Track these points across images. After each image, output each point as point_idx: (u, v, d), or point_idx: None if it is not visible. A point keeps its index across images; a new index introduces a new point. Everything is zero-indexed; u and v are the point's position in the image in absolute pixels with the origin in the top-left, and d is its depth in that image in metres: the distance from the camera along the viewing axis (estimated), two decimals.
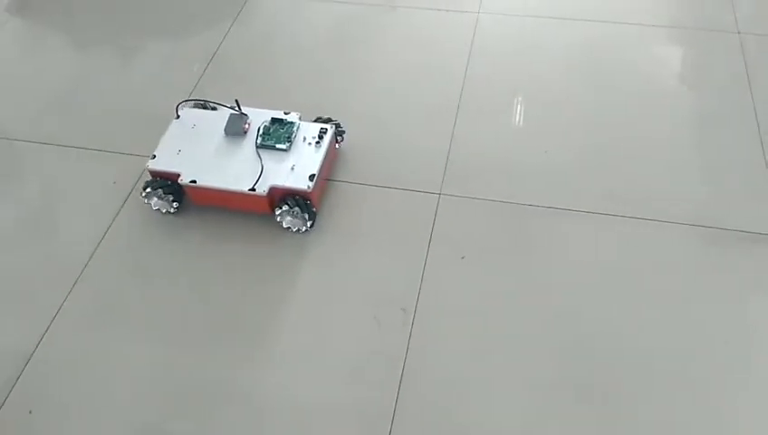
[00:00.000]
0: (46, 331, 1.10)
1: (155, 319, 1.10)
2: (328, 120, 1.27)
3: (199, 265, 1.17)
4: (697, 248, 1.15)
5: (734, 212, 1.19)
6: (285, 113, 1.24)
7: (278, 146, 1.20)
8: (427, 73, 1.47)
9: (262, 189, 1.14)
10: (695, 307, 1.07)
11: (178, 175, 1.18)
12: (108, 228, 1.22)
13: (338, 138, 1.27)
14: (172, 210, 1.21)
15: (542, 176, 1.26)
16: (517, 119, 1.37)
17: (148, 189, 1.19)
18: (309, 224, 1.16)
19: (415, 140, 1.33)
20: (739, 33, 1.52)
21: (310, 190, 1.15)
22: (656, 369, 1.01)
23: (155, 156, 1.21)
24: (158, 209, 1.22)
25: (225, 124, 1.23)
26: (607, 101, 1.39)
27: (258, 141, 1.20)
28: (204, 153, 1.21)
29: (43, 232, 1.24)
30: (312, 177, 1.16)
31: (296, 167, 1.17)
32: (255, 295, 1.12)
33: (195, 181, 1.17)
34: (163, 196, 1.19)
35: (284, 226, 1.17)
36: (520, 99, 1.40)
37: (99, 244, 1.20)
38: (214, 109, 1.29)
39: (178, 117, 1.27)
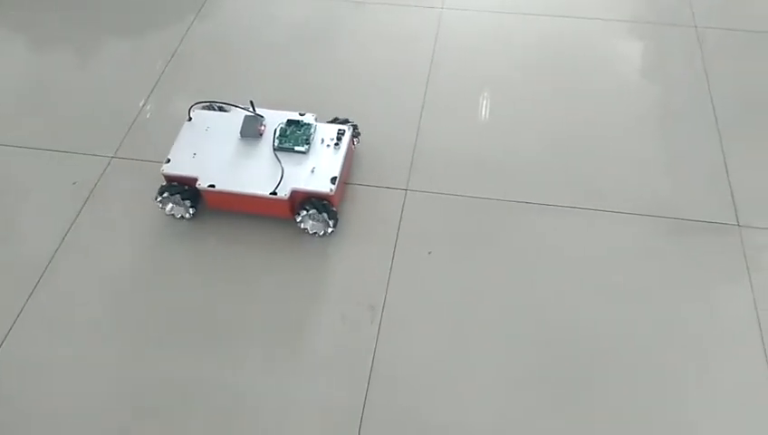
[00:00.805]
0: (8, 334, 1.07)
1: (124, 321, 1.09)
2: (344, 121, 1.26)
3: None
4: (661, 239, 1.17)
5: (695, 203, 1.22)
6: (301, 114, 1.23)
7: (297, 148, 1.18)
8: (392, 69, 1.48)
9: (283, 193, 1.13)
10: (660, 297, 1.10)
11: (196, 179, 1.15)
12: (68, 230, 1.20)
13: (354, 138, 1.27)
14: (189, 215, 1.19)
15: (508, 171, 1.28)
16: (483, 114, 1.38)
17: (165, 194, 1.16)
18: (331, 226, 1.16)
19: (381, 136, 1.34)
20: (696, 27, 1.57)
21: (332, 193, 1.14)
22: (627, 360, 1.03)
23: (169, 160, 1.17)
24: (173, 214, 1.19)
25: (240, 126, 1.20)
26: (569, 95, 1.43)
27: (275, 144, 1.18)
28: (220, 156, 1.18)
29: (0, 234, 1.21)
30: (333, 179, 1.15)
31: (316, 169, 1.16)
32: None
33: (213, 186, 1.15)
34: (180, 201, 1.16)
35: (309, 230, 1.17)
36: (486, 94, 1.42)
37: (59, 245, 1.18)
38: (222, 109, 1.27)
39: (190, 119, 1.23)
